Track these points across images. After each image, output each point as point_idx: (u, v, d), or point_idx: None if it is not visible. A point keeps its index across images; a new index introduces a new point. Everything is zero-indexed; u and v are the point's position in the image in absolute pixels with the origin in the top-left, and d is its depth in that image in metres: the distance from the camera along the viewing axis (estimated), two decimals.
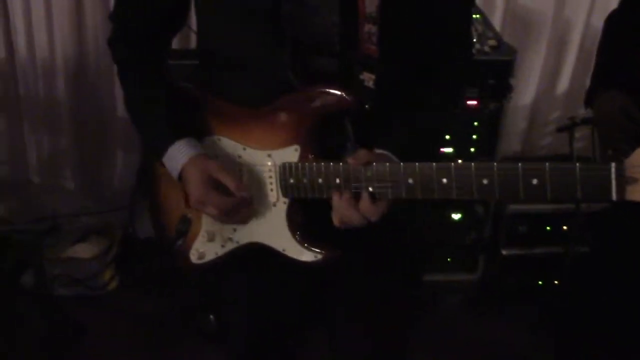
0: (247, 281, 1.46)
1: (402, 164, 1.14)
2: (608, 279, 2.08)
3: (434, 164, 1.10)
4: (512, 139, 3.11)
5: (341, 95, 1.20)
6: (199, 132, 1.35)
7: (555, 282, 2.74)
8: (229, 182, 1.27)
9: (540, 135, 3.15)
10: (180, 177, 1.31)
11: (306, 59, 1.26)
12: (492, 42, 2.35)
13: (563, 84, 3.07)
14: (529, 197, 1.03)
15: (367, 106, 1.24)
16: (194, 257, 1.40)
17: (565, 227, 2.68)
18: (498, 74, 2.33)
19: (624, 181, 0.97)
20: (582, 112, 2.95)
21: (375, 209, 1.16)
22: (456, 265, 2.67)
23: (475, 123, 2.39)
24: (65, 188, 2.96)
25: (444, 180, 1.09)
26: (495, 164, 1.05)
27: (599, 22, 2.94)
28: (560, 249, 2.67)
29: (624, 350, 2.10)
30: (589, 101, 1.86)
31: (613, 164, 0.97)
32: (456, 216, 2.57)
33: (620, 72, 1.77)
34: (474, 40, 2.36)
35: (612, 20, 1.89)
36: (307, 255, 1.28)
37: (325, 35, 1.24)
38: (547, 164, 1.01)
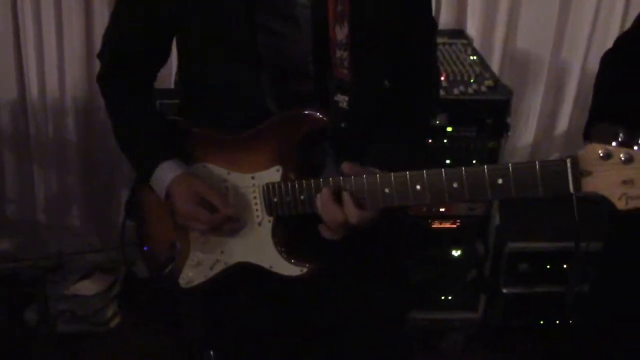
0: (240, 309, 1.49)
1: (378, 175, 1.21)
2: (611, 317, 2.08)
3: (407, 172, 1.18)
4: None
5: (317, 115, 1.29)
6: (185, 160, 1.41)
7: (557, 321, 2.73)
8: (215, 199, 1.33)
9: None
10: (168, 194, 1.37)
11: (283, 85, 1.36)
12: (489, 83, 2.40)
13: (562, 125, 3.12)
14: (495, 196, 1.11)
15: (342, 125, 1.33)
16: (183, 282, 1.45)
17: (565, 266, 2.67)
18: (495, 113, 2.37)
19: (579, 174, 1.04)
20: (582, 151, 3.01)
21: (356, 212, 1.22)
22: (457, 304, 2.66)
23: (474, 161, 2.43)
24: (72, 225, 3.01)
25: (418, 187, 1.16)
26: (462, 168, 1.13)
27: (595, 65, 3.02)
28: (561, 287, 2.67)
29: None
30: (586, 136, 1.89)
31: (569, 159, 1.04)
32: (456, 253, 2.57)
33: (614, 105, 1.81)
34: (460, 76, 2.45)
35: (607, 58, 1.94)
36: (293, 270, 1.34)
37: (300, 62, 1.34)
38: (509, 164, 1.08)
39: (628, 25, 2.02)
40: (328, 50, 1.32)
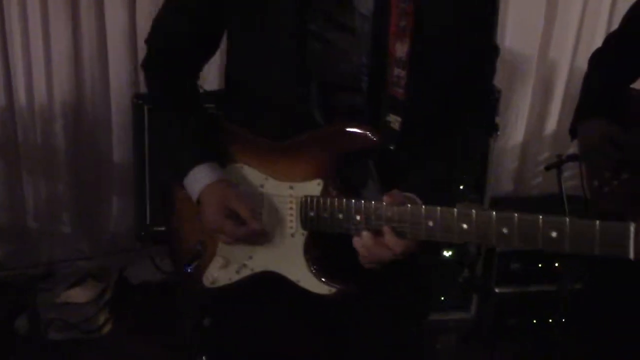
0: (255, 314, 1.45)
1: (423, 206, 1.16)
2: (604, 315, 2.08)
3: (455, 209, 1.12)
4: (504, 179, 3.15)
5: (367, 134, 1.22)
6: (222, 159, 1.38)
7: (550, 320, 2.72)
8: (243, 212, 1.29)
9: (531, 174, 3.19)
10: (199, 200, 1.34)
11: (332, 97, 1.29)
12: None
13: (551, 124, 3.13)
14: (546, 248, 1.05)
15: (391, 147, 1.26)
16: (207, 282, 1.42)
17: (557, 264, 2.68)
18: None
19: None
20: (572, 150, 3.02)
21: (401, 241, 1.17)
22: (449, 304, 2.66)
23: None
24: (62, 233, 2.99)
25: (464, 225, 1.11)
26: (515, 214, 1.07)
27: (583, 64, 3.03)
28: (553, 286, 2.67)
29: None
30: (573, 133, 1.90)
31: (632, 224, 0.98)
32: (447, 254, 2.57)
33: (605, 103, 1.82)
34: None
35: (598, 57, 1.95)
36: (321, 288, 1.29)
37: (353, 77, 1.27)
38: (567, 218, 1.02)
39: (615, 23, 2.03)
40: (385, 66, 1.24)
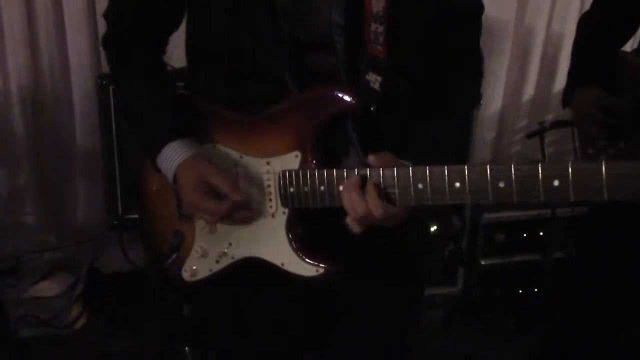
0: (240, 302, 1.37)
1: (410, 168, 1.07)
2: (590, 283, 2.06)
3: (445, 166, 1.04)
4: (481, 149, 3.11)
5: (345, 96, 1.14)
6: (196, 139, 1.28)
7: (535, 289, 2.71)
8: (223, 186, 1.20)
9: (510, 143, 3.16)
10: (175, 180, 1.24)
11: (304, 58, 1.20)
12: None
13: (528, 92, 3.09)
14: (549, 199, 0.97)
15: (372, 108, 1.18)
16: (186, 275, 1.33)
17: (541, 233, 2.66)
18: None
19: None
20: (550, 117, 2.99)
21: (381, 203, 1.08)
22: (436, 279, 2.62)
23: None
24: (26, 224, 2.85)
25: (457, 184, 1.03)
26: (512, 165, 0.99)
27: (559, 28, 3.00)
28: (538, 255, 2.65)
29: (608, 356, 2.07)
30: (566, 100, 1.84)
31: None
32: (432, 229, 2.52)
33: (597, 68, 1.76)
34: None
35: (586, 20, 1.89)
36: (307, 270, 1.21)
37: (327, 35, 1.18)
38: (569, 163, 0.94)
39: None
40: (361, 22, 1.16)
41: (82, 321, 2.63)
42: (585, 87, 1.74)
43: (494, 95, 3.04)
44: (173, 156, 1.24)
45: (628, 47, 1.90)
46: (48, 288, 2.63)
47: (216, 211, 1.20)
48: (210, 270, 1.30)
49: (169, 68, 1.47)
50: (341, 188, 1.12)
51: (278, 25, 1.17)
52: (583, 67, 1.82)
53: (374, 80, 1.17)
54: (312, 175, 1.16)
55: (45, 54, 2.64)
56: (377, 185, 1.09)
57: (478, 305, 2.69)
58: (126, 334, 2.53)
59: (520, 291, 2.73)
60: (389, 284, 1.37)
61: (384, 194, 1.09)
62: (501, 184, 1.00)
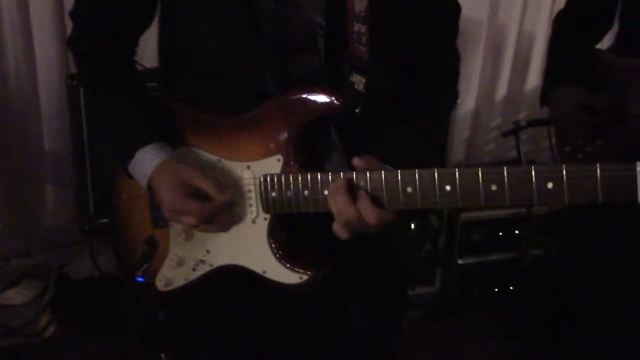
0: (218, 308, 1.32)
1: (399, 170, 1.04)
2: (569, 280, 2.06)
3: (435, 169, 1.01)
4: (455, 148, 3.10)
5: (330, 98, 1.11)
6: (171, 144, 1.23)
7: (511, 287, 2.72)
8: (207, 186, 1.15)
9: (483, 142, 3.18)
10: (150, 186, 1.19)
11: (286, 60, 1.17)
12: None
13: (501, 90, 3.11)
14: (543, 202, 0.95)
15: (357, 110, 1.16)
16: (160, 284, 1.28)
17: (517, 232, 2.67)
18: None
19: None
20: (522, 115, 3.01)
21: (375, 209, 1.05)
22: (414, 280, 2.61)
23: None
24: None
25: (447, 187, 1.01)
26: (505, 168, 0.97)
27: (531, 27, 3.01)
28: (514, 254, 2.66)
29: (588, 351, 2.07)
30: (544, 99, 1.84)
31: (639, 163, 0.89)
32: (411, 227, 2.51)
33: (574, 67, 1.76)
34: None
35: (562, 18, 1.89)
36: (290, 277, 1.17)
37: (309, 36, 1.16)
38: (563, 165, 0.93)
39: None
40: (343, 22, 1.14)
41: (51, 329, 2.55)
42: (566, 86, 1.74)
43: (468, 94, 3.05)
44: (147, 161, 1.19)
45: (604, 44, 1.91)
46: (16, 296, 2.54)
47: (200, 212, 1.15)
48: (186, 279, 1.26)
49: (139, 68, 1.42)
50: (326, 192, 1.09)
51: (259, 26, 1.15)
52: (560, 66, 1.82)
53: (359, 81, 1.16)
54: (296, 180, 1.13)
55: (10, 54, 2.55)
56: (366, 191, 1.06)
57: (456, 305, 2.69)
58: (98, 340, 2.46)
59: (497, 290, 2.73)
60: (374, 285, 1.34)
61: (371, 197, 1.06)
62: (493, 187, 0.98)
